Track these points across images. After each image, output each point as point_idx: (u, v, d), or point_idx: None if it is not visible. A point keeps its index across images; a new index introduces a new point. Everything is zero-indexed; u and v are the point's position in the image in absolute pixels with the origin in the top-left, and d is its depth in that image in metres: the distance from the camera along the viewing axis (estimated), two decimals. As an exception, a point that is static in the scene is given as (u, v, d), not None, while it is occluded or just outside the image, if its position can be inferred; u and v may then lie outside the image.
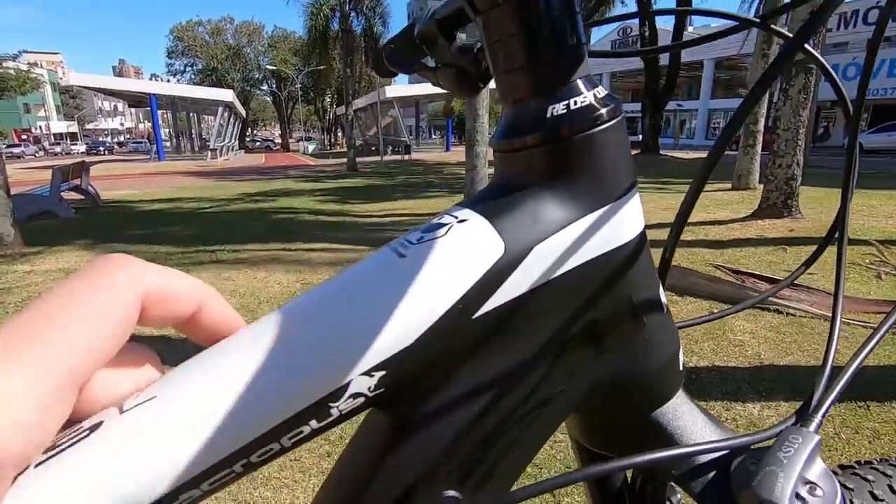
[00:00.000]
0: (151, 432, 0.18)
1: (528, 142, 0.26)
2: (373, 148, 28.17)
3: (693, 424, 0.31)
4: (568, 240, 0.25)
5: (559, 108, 0.25)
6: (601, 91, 0.27)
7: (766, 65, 7.62)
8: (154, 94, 22.38)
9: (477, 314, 0.23)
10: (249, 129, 50.31)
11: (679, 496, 0.47)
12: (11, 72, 38.56)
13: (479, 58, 0.38)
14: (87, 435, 0.17)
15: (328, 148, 39.93)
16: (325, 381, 0.21)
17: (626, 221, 0.27)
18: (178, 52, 39.45)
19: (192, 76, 39.83)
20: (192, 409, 0.19)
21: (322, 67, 27.29)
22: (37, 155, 37.23)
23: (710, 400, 2.06)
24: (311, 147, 33.74)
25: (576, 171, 0.26)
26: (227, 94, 24.07)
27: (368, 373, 0.21)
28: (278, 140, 47.73)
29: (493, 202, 0.26)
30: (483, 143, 6.81)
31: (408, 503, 0.24)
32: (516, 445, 0.26)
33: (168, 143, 29.78)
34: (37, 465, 0.16)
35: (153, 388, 0.20)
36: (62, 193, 7.56)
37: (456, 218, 0.25)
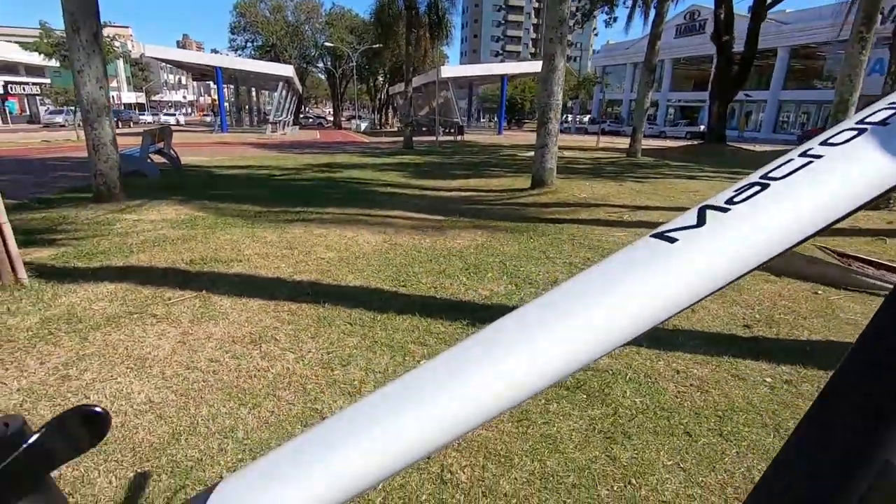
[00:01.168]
0: None
1: None
2: (423, 129, 28.23)
3: None
4: None
5: None
6: None
7: (862, 50, 7.14)
8: (220, 68, 23.21)
9: None
10: (303, 106, 51.39)
11: None
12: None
13: None
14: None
15: (378, 127, 40.32)
16: None
17: None
18: (241, 28, 40.58)
19: (252, 52, 40.92)
20: None
21: (377, 46, 27.48)
22: (109, 123, 39.46)
23: (829, 370, 2.05)
24: (363, 125, 34.21)
25: None
26: (287, 70, 24.65)
27: None
28: (330, 117, 48.56)
29: None
30: (556, 121, 6.75)
31: None
32: None
33: (228, 117, 30.87)
34: None
35: None
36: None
37: None
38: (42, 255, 3.46)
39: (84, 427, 0.21)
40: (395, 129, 37.76)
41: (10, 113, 34.07)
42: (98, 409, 0.20)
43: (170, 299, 2.64)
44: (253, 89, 34.73)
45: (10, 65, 33.97)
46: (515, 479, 1.39)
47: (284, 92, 25.97)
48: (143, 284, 2.87)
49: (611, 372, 1.99)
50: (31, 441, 0.20)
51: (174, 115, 38.48)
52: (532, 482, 1.38)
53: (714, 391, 1.87)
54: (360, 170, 9.60)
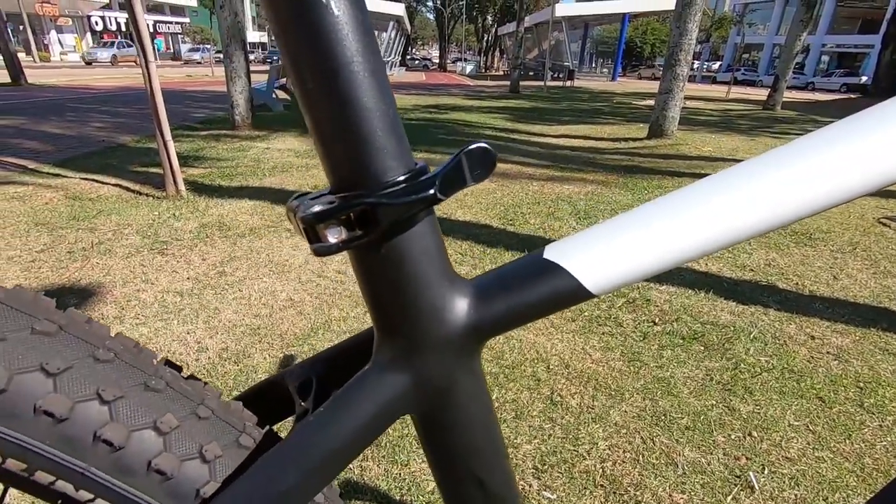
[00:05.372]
0: None
1: None
2: (531, 73, 26.96)
3: None
4: None
5: None
6: None
7: None
8: (335, 7, 23.69)
9: None
10: (409, 47, 51.33)
11: None
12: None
13: None
14: None
15: (484, 70, 39.26)
16: None
17: None
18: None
19: (365, -10, 41.19)
20: None
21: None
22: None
23: None
24: (468, 68, 33.56)
25: None
26: (398, 8, 24.55)
27: None
28: (435, 59, 48.14)
29: None
30: (685, 64, 6.08)
31: None
32: None
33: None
34: None
35: None
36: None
37: None
38: (193, 172, 3.95)
39: (483, 160, 0.25)
40: (501, 72, 36.53)
41: (158, 50, 38.03)
42: (490, 147, 0.25)
43: (299, 218, 2.91)
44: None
45: (157, 5, 37.57)
46: (626, 412, 1.40)
47: (394, 32, 26.05)
48: (276, 203, 3.18)
49: (733, 328, 1.87)
50: (456, 161, 0.25)
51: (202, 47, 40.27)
52: (643, 417, 1.39)
53: (855, 362, 1.70)
54: (466, 112, 9.52)
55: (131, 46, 26.83)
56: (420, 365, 0.29)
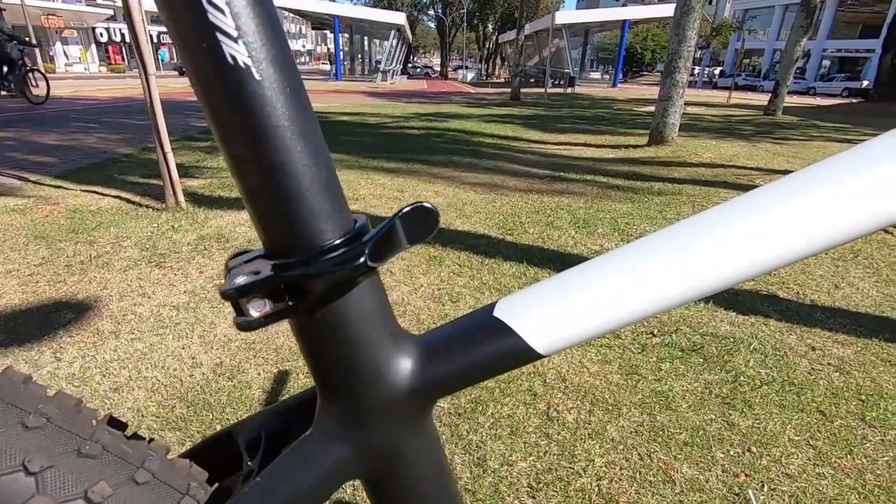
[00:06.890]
0: None
1: None
2: (531, 80, 27.07)
3: None
4: None
5: None
6: None
7: None
8: (338, 16, 23.96)
9: None
10: (411, 56, 51.65)
11: None
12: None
13: None
14: None
15: (485, 78, 39.44)
16: None
17: None
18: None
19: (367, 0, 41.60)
20: None
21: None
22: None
23: None
24: (469, 76, 33.73)
25: None
26: (399, 17, 24.78)
27: None
28: (437, 67, 48.38)
29: None
30: (685, 71, 6.08)
31: None
32: None
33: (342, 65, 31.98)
34: None
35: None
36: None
37: None
38: (193, 184, 3.96)
39: (422, 220, 0.24)
40: (502, 80, 36.69)
41: (162, 61, 38.45)
42: (431, 206, 0.24)
43: (298, 229, 2.91)
44: (366, 38, 35.53)
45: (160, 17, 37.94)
46: (623, 427, 1.39)
47: (395, 41, 26.25)
48: (275, 214, 3.18)
49: (732, 339, 1.86)
50: (391, 224, 0.24)
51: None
52: (640, 433, 1.37)
53: (857, 373, 1.67)
54: (467, 120, 9.54)
55: None
56: (364, 430, 0.28)
